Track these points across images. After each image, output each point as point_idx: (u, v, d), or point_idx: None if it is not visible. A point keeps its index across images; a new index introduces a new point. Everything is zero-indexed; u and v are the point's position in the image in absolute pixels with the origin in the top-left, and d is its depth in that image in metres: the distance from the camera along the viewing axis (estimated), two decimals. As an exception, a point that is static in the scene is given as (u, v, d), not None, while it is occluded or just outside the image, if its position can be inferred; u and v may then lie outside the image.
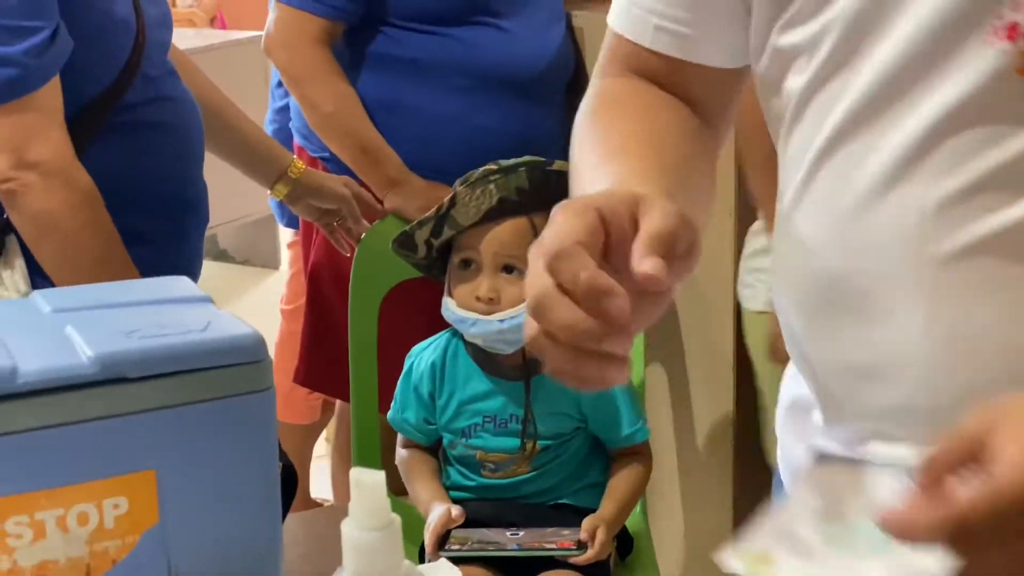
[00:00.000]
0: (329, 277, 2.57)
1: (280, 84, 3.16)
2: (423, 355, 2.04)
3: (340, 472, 2.69)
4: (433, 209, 1.98)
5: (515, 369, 1.98)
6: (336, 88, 2.38)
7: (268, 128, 3.18)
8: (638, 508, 2.11)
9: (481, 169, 1.98)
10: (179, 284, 1.05)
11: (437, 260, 2.03)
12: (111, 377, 0.89)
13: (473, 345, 1.99)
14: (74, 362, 0.88)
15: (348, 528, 0.74)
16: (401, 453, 2.04)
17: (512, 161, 1.98)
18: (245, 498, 0.94)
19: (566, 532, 1.90)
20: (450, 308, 1.97)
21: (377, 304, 2.31)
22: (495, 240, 1.94)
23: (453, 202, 1.95)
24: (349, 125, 2.37)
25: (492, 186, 1.94)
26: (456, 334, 2.03)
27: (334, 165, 2.54)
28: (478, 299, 1.93)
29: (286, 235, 3.34)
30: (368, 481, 0.74)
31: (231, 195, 4.60)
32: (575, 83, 2.58)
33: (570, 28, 2.58)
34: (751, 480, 2.30)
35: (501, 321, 1.91)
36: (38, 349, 0.90)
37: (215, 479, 0.93)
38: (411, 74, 2.43)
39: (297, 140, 2.68)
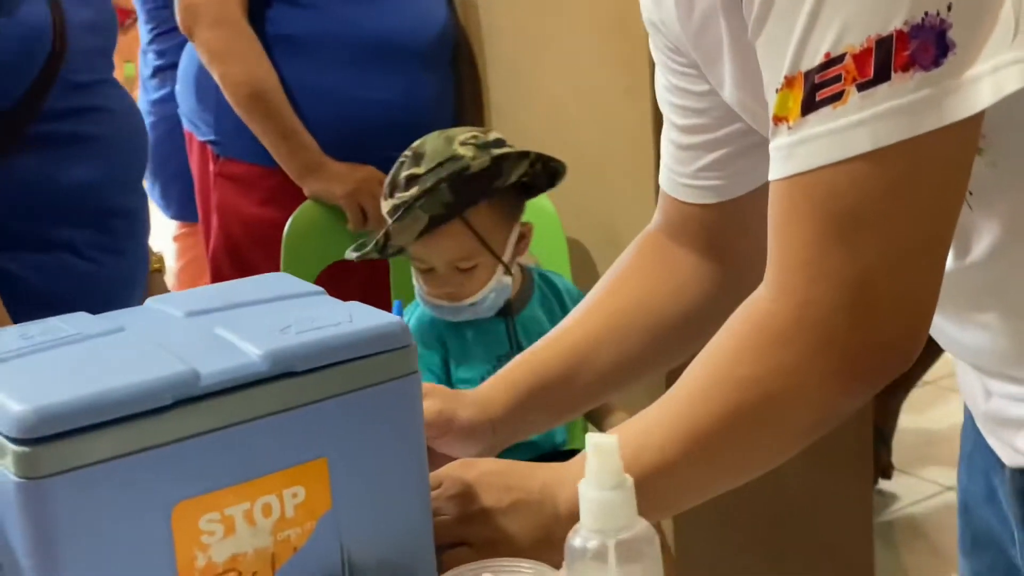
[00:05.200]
0: (229, 262, 2.58)
1: (154, 75, 3.13)
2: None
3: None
4: (371, 244, 2.02)
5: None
6: (260, 68, 2.38)
7: (146, 120, 3.15)
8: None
9: (402, 197, 2.01)
10: (285, 281, 1.08)
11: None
12: (281, 372, 0.92)
13: None
14: (246, 361, 0.91)
15: (586, 488, 0.80)
16: None
17: (426, 169, 2.01)
18: (400, 477, 0.98)
19: None
20: (423, 296, 2.05)
21: (308, 288, 2.33)
22: (441, 250, 2.03)
23: (388, 236, 1.99)
24: (271, 108, 2.38)
25: (418, 211, 1.98)
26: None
27: (222, 150, 2.54)
28: (446, 296, 2.03)
29: (167, 229, 3.30)
30: (605, 444, 0.79)
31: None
32: (457, 52, 2.63)
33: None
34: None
35: (472, 304, 2.01)
36: (203, 352, 0.92)
37: (375, 461, 0.97)
38: (289, 51, 2.44)
39: (186, 126, 2.67)
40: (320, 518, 0.94)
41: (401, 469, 0.99)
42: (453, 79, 2.63)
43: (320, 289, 1.06)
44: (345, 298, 2.53)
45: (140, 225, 1.92)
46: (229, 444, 0.90)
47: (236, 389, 0.90)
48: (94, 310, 1.02)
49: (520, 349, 2.05)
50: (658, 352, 1.27)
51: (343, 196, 2.39)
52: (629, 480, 0.80)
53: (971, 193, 0.91)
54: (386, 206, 2.03)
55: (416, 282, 2.07)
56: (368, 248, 2.02)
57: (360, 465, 0.96)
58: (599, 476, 0.80)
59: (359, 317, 0.98)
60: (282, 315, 0.98)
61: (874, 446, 3.19)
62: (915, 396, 3.43)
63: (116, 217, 1.86)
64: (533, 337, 2.06)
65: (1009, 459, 1.07)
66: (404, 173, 2.01)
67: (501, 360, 2.07)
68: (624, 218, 2.37)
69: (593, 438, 0.80)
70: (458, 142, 2.03)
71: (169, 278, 3.26)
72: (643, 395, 1.93)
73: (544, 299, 2.17)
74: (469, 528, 1.04)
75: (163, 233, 3.63)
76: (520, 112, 2.57)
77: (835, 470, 2.61)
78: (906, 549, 3.11)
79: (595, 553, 0.81)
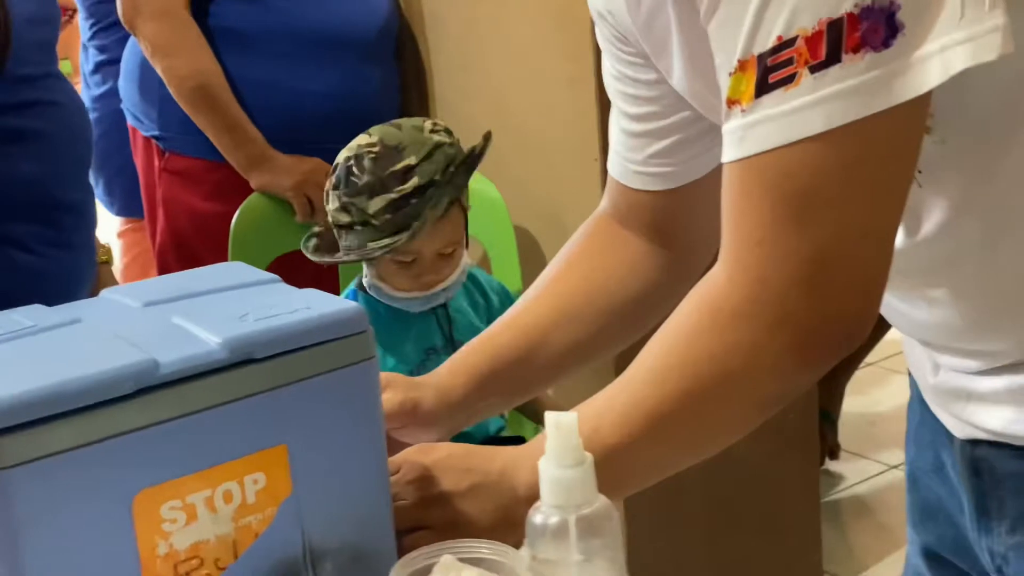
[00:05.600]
0: (176, 257, 2.57)
1: (96, 71, 3.11)
2: None
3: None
4: (394, 238, 1.97)
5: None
6: (204, 61, 2.37)
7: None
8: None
9: (403, 190, 1.97)
10: (241, 270, 1.09)
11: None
12: (240, 359, 0.92)
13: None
14: (205, 349, 0.92)
15: (547, 466, 0.81)
16: None
17: (419, 159, 1.99)
18: (360, 461, 0.99)
19: None
20: (385, 292, 2.03)
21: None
22: (438, 236, 2.01)
23: (424, 224, 1.96)
24: (216, 101, 2.37)
25: (445, 198, 1.98)
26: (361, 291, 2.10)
27: (167, 144, 2.54)
28: (423, 285, 2.02)
29: (112, 225, 3.28)
30: (565, 422, 0.81)
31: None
32: (400, 43, 2.64)
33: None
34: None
35: (444, 289, 2.02)
36: (162, 341, 0.93)
37: (335, 446, 0.97)
38: (231, 44, 2.44)
39: (130, 121, 2.65)
40: (281, 504, 0.95)
41: (360, 453, 0.99)
42: (397, 70, 2.63)
43: (276, 277, 1.07)
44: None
45: (87, 219, 1.91)
46: (189, 432, 0.91)
47: (196, 377, 0.91)
48: (43, 304, 1.02)
49: (452, 340, 2.05)
50: (609, 335, 1.29)
51: (290, 188, 2.39)
52: (589, 457, 0.82)
53: (920, 171, 0.93)
54: (380, 202, 1.97)
55: (378, 281, 2.04)
56: (402, 237, 1.95)
57: (320, 450, 0.97)
58: (559, 453, 0.81)
59: (316, 304, 0.99)
60: (239, 303, 0.99)
61: (820, 427, 3.23)
62: (858, 378, 3.47)
63: (63, 211, 1.85)
64: (463, 328, 2.07)
65: (959, 431, 1.10)
66: (398, 166, 1.97)
67: (430, 353, 2.07)
68: (570, 205, 2.38)
69: (553, 416, 0.81)
70: (428, 131, 2.03)
71: (115, 274, 3.23)
72: (584, 388, 1.93)
73: (468, 292, 2.18)
74: (429, 512, 1.05)
75: (107, 229, 3.63)
76: (465, 102, 2.58)
77: (783, 451, 2.64)
78: (853, 527, 3.15)
79: (556, 529, 0.82)
